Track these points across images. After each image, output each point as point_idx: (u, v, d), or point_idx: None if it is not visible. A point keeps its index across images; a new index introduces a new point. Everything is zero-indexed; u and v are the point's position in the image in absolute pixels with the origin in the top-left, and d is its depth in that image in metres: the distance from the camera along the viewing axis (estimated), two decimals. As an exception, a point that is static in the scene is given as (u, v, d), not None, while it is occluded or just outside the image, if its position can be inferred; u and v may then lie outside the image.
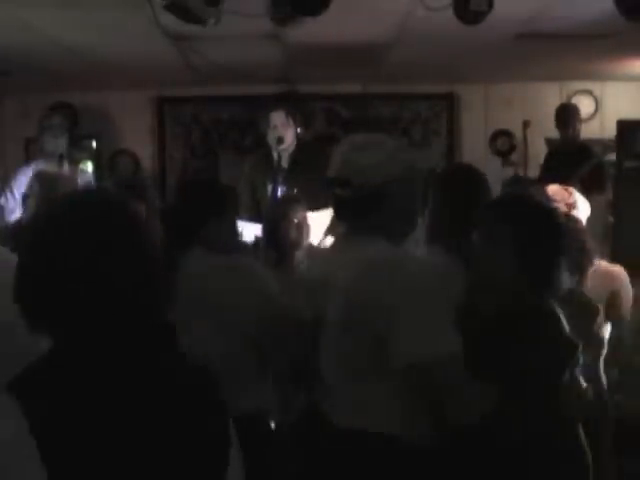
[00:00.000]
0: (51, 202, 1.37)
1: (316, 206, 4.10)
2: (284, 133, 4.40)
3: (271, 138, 4.42)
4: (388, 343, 1.78)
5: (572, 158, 5.18)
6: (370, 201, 1.93)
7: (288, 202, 3.68)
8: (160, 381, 1.26)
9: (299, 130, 4.51)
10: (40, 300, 1.23)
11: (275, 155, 4.45)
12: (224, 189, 2.74)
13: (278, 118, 4.42)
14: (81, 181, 4.91)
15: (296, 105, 4.60)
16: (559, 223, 2.09)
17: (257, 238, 3.75)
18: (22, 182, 4.92)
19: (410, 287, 1.80)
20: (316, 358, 1.95)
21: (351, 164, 1.96)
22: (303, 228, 3.69)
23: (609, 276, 3.12)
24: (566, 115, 5.63)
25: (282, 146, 4.41)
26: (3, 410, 1.16)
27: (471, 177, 2.53)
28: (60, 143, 4.85)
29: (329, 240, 4.15)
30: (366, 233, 1.94)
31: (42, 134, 4.86)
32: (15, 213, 4.74)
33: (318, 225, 4.13)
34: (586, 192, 3.42)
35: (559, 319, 1.98)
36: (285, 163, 4.45)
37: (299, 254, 3.57)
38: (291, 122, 4.44)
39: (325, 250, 2.15)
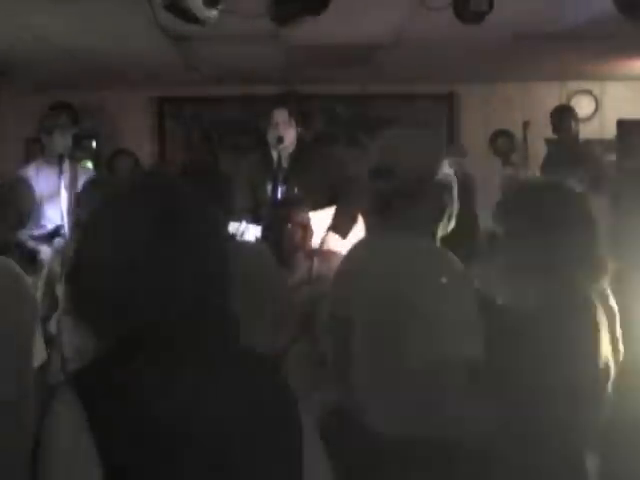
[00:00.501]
0: (111, 194, 1.29)
1: (317, 206, 4.10)
2: (285, 132, 4.37)
3: (271, 137, 4.40)
4: (406, 342, 1.76)
5: (571, 159, 5.18)
6: (411, 194, 1.86)
7: (291, 203, 3.66)
8: (228, 378, 1.23)
9: (300, 130, 4.50)
10: (105, 297, 1.19)
11: (275, 155, 4.43)
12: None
13: (280, 116, 4.39)
14: (83, 180, 4.92)
15: (296, 105, 4.58)
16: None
17: (257, 239, 3.74)
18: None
19: (438, 287, 1.77)
20: (346, 356, 1.90)
21: (396, 154, 1.89)
22: (307, 230, 3.68)
23: None
24: (560, 118, 5.61)
25: (282, 145, 4.39)
26: (65, 406, 1.14)
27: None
28: (66, 143, 4.85)
29: (333, 237, 4.16)
30: (400, 228, 1.87)
31: (49, 133, 4.85)
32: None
33: (319, 225, 4.14)
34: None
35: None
36: (285, 163, 4.44)
37: (300, 256, 3.56)
38: (293, 122, 4.42)
39: (358, 244, 2.08)
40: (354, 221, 4.29)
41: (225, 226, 1.23)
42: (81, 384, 1.16)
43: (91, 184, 3.32)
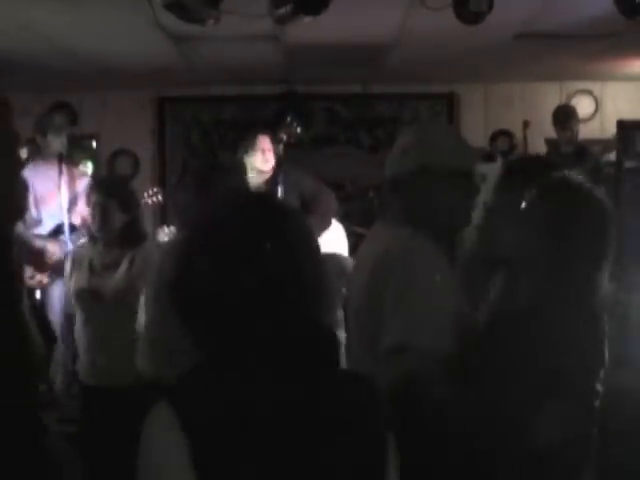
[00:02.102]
0: (215, 206, 1.33)
1: None
2: (266, 161, 4.41)
3: (252, 162, 4.39)
4: (382, 328, 1.82)
5: (569, 160, 5.18)
6: (390, 192, 2.07)
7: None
8: (321, 397, 1.22)
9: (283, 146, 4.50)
10: (206, 307, 1.20)
11: (252, 177, 4.39)
12: None
13: (265, 143, 4.43)
14: (82, 181, 4.93)
15: (296, 105, 4.58)
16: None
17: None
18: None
19: (411, 278, 1.82)
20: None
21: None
22: None
23: None
24: (564, 117, 5.61)
25: (261, 174, 4.41)
26: (162, 420, 1.15)
27: None
28: (62, 143, 4.86)
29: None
30: (390, 222, 2.05)
31: (43, 134, 4.86)
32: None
33: None
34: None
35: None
36: (260, 185, 4.44)
37: None
38: (273, 147, 4.46)
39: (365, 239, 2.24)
40: (327, 226, 4.35)
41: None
42: (178, 397, 1.17)
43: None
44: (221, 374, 1.18)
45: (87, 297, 3.25)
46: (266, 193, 1.19)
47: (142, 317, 2.78)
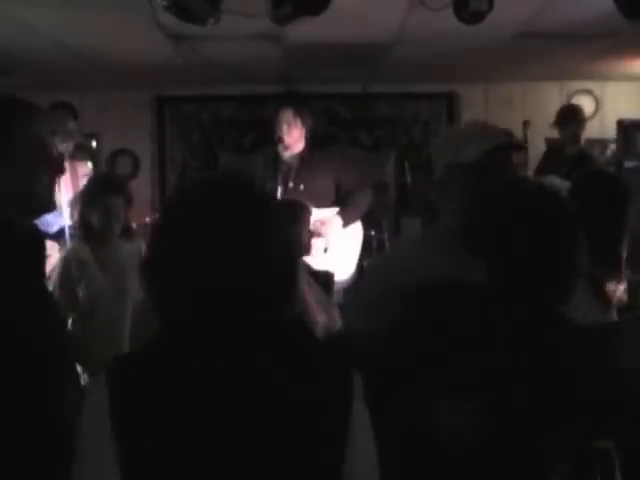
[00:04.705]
0: (191, 188, 1.34)
1: (321, 204, 4.19)
2: (287, 133, 4.42)
3: (275, 135, 4.45)
4: None
5: (573, 161, 5.15)
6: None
7: (298, 206, 3.66)
8: (273, 380, 1.22)
9: (304, 131, 4.53)
10: (170, 284, 1.22)
11: (281, 153, 4.47)
12: None
13: (284, 116, 4.44)
14: (84, 180, 4.93)
15: (296, 105, 4.59)
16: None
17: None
18: None
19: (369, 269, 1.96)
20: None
21: None
22: (312, 233, 3.74)
23: None
24: (571, 116, 5.52)
25: (282, 145, 4.43)
26: (93, 391, 1.20)
27: None
28: (68, 147, 4.91)
29: (336, 219, 4.26)
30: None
31: (52, 134, 4.87)
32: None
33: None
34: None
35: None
36: (294, 161, 4.48)
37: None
38: (298, 121, 4.45)
39: None
40: (355, 219, 4.42)
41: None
42: (113, 369, 1.21)
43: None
44: (157, 353, 1.21)
45: (110, 296, 3.26)
46: (237, 176, 1.17)
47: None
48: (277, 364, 1.22)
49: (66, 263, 3.35)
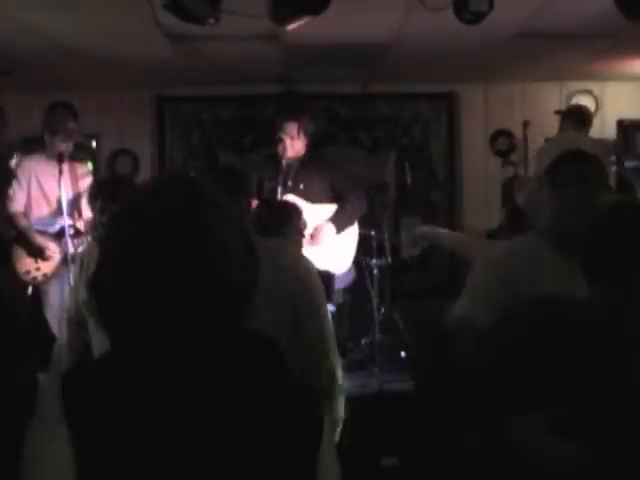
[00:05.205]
0: (133, 196, 1.28)
1: (318, 200, 4.26)
2: (291, 146, 4.49)
3: (280, 148, 4.48)
4: None
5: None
6: None
7: (292, 207, 3.66)
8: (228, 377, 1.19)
9: (308, 134, 4.58)
10: (117, 298, 1.18)
11: (283, 162, 4.50)
12: None
13: (290, 129, 4.49)
14: (84, 181, 4.94)
15: (295, 105, 4.62)
16: None
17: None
18: (25, 170, 4.96)
19: None
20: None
21: None
22: (305, 235, 3.77)
23: None
24: (578, 117, 5.44)
25: (288, 156, 4.49)
26: (49, 403, 1.16)
27: None
28: (68, 147, 4.92)
29: (328, 227, 4.28)
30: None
31: (52, 134, 4.87)
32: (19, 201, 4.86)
33: (317, 217, 4.38)
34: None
35: None
36: (293, 161, 4.53)
37: None
38: (302, 135, 4.52)
39: None
40: (349, 225, 4.46)
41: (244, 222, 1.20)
42: (67, 379, 1.19)
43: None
44: (120, 365, 1.18)
45: None
46: (188, 179, 1.11)
47: None
48: (232, 377, 1.19)
49: (82, 264, 3.35)
